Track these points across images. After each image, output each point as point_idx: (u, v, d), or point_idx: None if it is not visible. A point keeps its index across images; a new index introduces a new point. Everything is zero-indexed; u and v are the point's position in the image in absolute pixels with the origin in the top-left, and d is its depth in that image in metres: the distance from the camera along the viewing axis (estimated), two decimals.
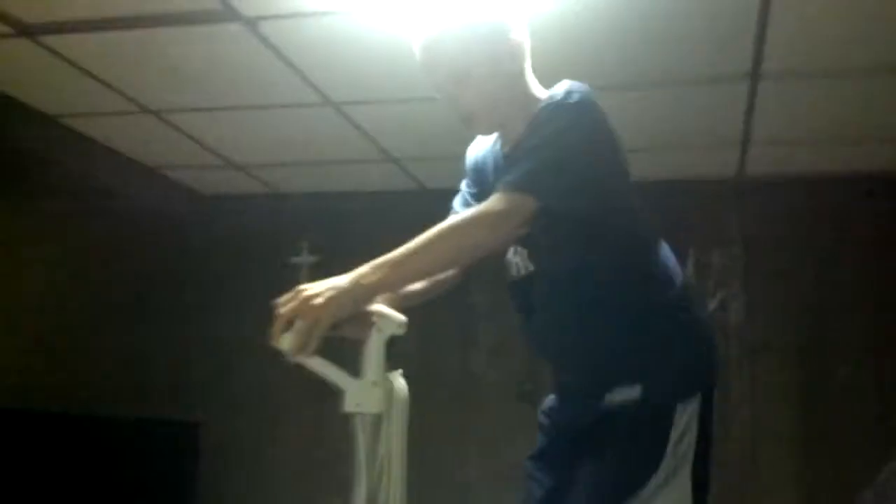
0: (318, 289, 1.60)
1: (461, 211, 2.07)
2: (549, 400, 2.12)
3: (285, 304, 1.61)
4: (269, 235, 5.02)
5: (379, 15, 2.95)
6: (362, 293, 1.63)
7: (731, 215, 4.64)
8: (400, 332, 1.71)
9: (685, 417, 1.88)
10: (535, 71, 1.97)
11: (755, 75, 3.36)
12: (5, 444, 3.83)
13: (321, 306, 1.58)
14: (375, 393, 1.66)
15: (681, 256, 4.53)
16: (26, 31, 3.12)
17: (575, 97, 1.83)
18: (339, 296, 1.59)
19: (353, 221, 4.89)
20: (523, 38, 1.91)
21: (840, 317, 4.43)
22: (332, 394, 1.71)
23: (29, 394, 4.61)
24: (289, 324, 1.60)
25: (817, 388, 4.43)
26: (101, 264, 4.94)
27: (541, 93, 1.94)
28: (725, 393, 4.50)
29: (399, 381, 1.72)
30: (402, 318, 1.73)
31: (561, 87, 1.87)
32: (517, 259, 1.98)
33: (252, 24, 3.03)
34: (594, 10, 2.86)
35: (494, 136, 2.06)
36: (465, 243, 1.73)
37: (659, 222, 2.06)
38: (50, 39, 3.19)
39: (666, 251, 2.03)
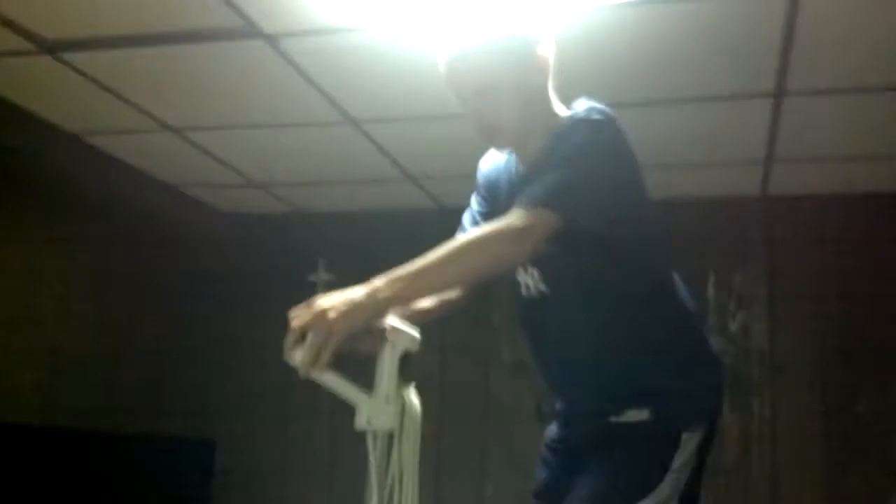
0: (331, 301, 1.57)
1: (470, 228, 2.04)
2: (552, 431, 2.08)
3: (298, 316, 1.58)
4: (288, 254, 5.02)
5: (400, 32, 2.94)
6: (376, 307, 1.59)
7: (754, 235, 4.59)
8: (413, 347, 1.67)
9: (690, 446, 1.85)
10: (560, 87, 1.95)
11: (779, 93, 3.33)
12: (21, 460, 3.82)
13: (334, 320, 1.54)
14: (388, 409, 1.62)
15: (702, 275, 4.57)
16: (48, 48, 3.13)
17: (596, 116, 1.81)
18: (353, 309, 1.56)
19: (371, 240, 4.87)
20: (549, 53, 1.89)
21: (866, 341, 4.36)
22: (346, 412, 1.68)
23: (45, 410, 4.60)
24: (301, 337, 1.57)
25: (840, 413, 4.36)
26: (121, 282, 4.94)
27: (561, 111, 1.92)
28: (747, 415, 4.44)
29: (412, 398, 1.68)
30: (415, 333, 1.69)
31: (582, 106, 1.85)
32: (528, 279, 1.95)
33: (274, 40, 3.03)
34: (620, 26, 2.85)
35: (507, 153, 2.03)
36: (484, 258, 1.69)
37: (677, 245, 2.02)
38: (71, 56, 3.20)
39: (678, 279, 2.00)
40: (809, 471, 4.34)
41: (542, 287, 1.91)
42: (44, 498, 3.84)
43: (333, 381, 1.62)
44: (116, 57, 3.18)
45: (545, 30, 1.89)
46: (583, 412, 1.96)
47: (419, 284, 1.65)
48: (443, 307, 1.97)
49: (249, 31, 2.95)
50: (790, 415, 4.42)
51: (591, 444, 1.90)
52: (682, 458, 1.83)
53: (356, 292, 1.59)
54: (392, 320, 1.67)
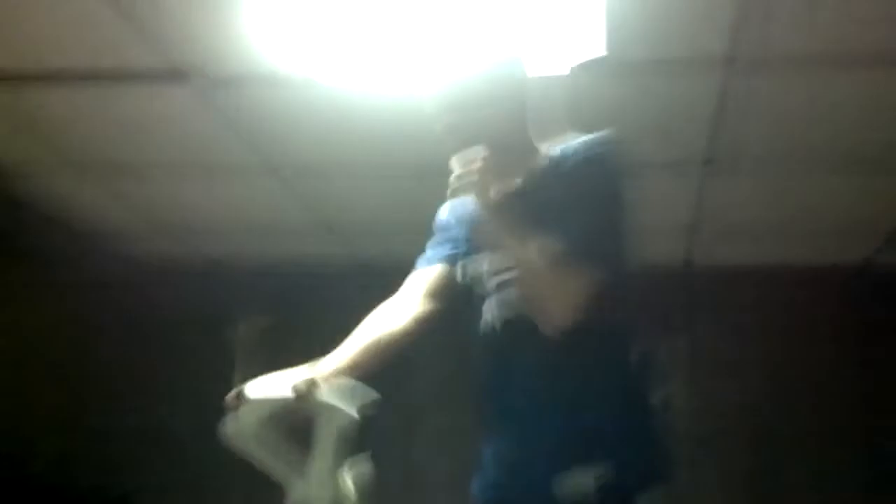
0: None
1: (431, 262, 1.99)
2: (482, 480, 1.94)
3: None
4: (210, 306, 4.87)
5: (332, 83, 2.90)
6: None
7: (676, 305, 4.60)
8: (352, 426, 1.59)
9: None
10: None
11: (708, 163, 3.36)
12: None
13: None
14: (324, 489, 1.55)
15: None
16: None
17: (616, 156, 1.82)
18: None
19: (294, 293, 4.76)
20: (528, 74, 1.93)
21: (790, 411, 4.39)
22: (266, 479, 1.58)
23: None
24: (237, 403, 1.50)
25: (769, 480, 4.36)
26: (33, 335, 4.80)
27: (543, 141, 1.91)
28: (669, 493, 4.40)
29: (351, 479, 1.59)
30: (353, 413, 1.60)
31: (596, 140, 1.83)
32: (494, 308, 1.87)
33: (201, 86, 2.95)
34: (569, 92, 2.84)
35: (464, 199, 1.97)
36: (550, 297, 1.70)
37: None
38: None
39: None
40: None
41: (505, 317, 1.84)
42: None
43: (266, 457, 1.55)
44: (38, 93, 3.06)
45: (524, 56, 1.95)
46: (527, 465, 1.83)
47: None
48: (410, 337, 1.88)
49: (176, 74, 2.87)
50: (720, 483, 4.39)
51: None
52: None
53: None
54: (330, 396, 1.59)
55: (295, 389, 1.59)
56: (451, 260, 1.97)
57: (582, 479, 1.73)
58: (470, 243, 1.92)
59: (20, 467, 4.42)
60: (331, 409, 1.58)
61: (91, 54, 2.80)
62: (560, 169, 1.82)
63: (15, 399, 4.63)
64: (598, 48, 2.65)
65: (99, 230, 4.48)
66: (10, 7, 2.59)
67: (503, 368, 1.87)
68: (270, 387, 1.61)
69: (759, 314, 4.49)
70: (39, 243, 4.41)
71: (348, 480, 1.58)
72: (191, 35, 2.68)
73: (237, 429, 1.52)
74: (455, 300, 1.97)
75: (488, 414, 1.94)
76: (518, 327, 1.82)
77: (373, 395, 1.64)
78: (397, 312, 1.89)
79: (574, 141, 1.85)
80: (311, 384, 1.61)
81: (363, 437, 1.59)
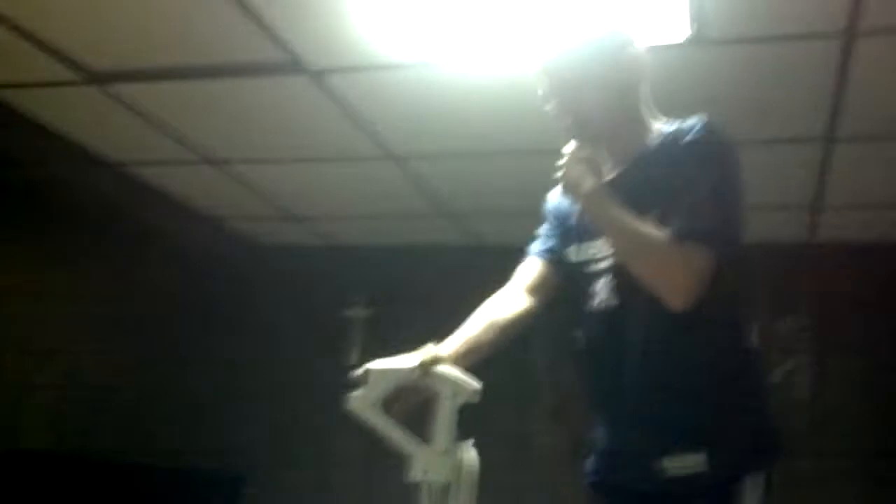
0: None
1: (535, 257, 2.04)
2: (593, 464, 1.98)
3: None
4: (325, 288, 4.99)
5: (443, 69, 2.93)
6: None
7: (801, 282, 4.49)
8: (474, 400, 1.66)
9: (754, 497, 1.76)
10: None
11: (830, 138, 3.26)
12: (49, 488, 3.80)
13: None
14: (444, 462, 1.61)
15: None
16: (95, 78, 3.15)
17: (723, 138, 1.82)
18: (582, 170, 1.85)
19: (409, 276, 4.84)
20: (640, 53, 1.91)
21: None
22: (384, 455, 1.64)
23: (72, 439, 4.60)
24: (364, 377, 1.57)
25: (887, 469, 4.22)
26: (157, 313, 4.95)
27: (657, 120, 1.91)
28: (788, 471, 4.31)
29: (469, 452, 1.65)
30: (476, 385, 1.68)
31: (696, 122, 1.83)
32: (603, 290, 1.88)
33: (318, 76, 3.02)
34: (670, 67, 2.80)
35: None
36: (659, 272, 1.72)
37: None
38: (117, 88, 3.21)
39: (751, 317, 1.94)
40: None
41: (614, 301, 1.86)
42: None
43: (390, 428, 1.62)
44: (161, 89, 3.20)
45: (636, 35, 1.92)
46: (633, 450, 1.85)
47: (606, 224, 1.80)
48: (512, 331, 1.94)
49: (293, 66, 2.95)
50: (834, 469, 4.28)
51: (645, 493, 1.81)
52: None
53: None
54: (450, 370, 1.66)
55: (421, 363, 1.69)
56: (554, 254, 2.01)
57: (690, 461, 1.75)
58: (578, 227, 1.94)
59: (137, 451, 4.58)
60: (454, 382, 1.64)
61: (209, 48, 2.90)
62: (670, 149, 1.82)
63: (131, 382, 4.79)
64: (708, 21, 2.61)
65: (220, 215, 4.65)
66: (128, 5, 2.70)
67: (612, 351, 1.87)
68: (395, 363, 1.71)
69: (886, 290, 4.33)
70: (166, 226, 4.60)
71: (467, 453, 1.63)
72: (305, 24, 2.74)
73: (363, 400, 1.58)
74: (553, 295, 2.03)
75: (597, 397, 1.96)
76: (627, 310, 1.83)
77: (478, 384, 1.71)
78: (506, 303, 1.97)
79: (683, 122, 1.84)
80: (436, 359, 1.72)
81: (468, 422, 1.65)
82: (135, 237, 4.63)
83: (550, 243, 2.04)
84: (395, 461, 1.68)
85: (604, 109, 1.86)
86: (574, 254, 1.95)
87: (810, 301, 4.47)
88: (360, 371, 1.70)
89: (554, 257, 2.01)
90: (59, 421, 4.80)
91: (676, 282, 1.70)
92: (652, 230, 1.72)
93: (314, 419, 4.65)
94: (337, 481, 4.76)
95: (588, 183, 1.81)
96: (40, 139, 3.63)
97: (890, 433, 4.24)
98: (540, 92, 1.90)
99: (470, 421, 1.69)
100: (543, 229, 2.08)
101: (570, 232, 1.97)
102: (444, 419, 1.63)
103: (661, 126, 1.90)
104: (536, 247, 2.07)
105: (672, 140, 1.83)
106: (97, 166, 3.93)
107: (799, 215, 4.10)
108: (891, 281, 4.34)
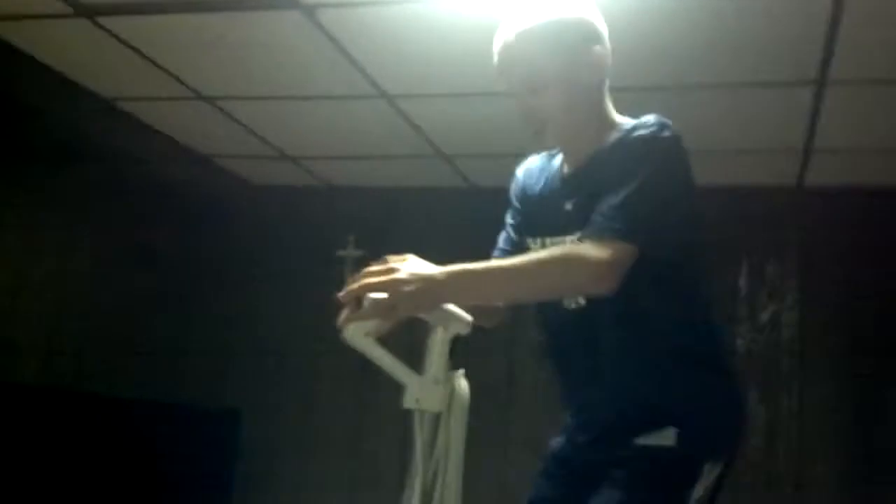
0: (408, 274, 1.54)
1: (504, 247, 2.01)
2: (557, 443, 2.00)
3: (371, 274, 1.56)
4: (317, 227, 5.01)
5: (438, 4, 2.91)
6: (446, 296, 1.59)
7: (789, 226, 4.53)
8: (466, 331, 1.68)
9: (710, 478, 1.78)
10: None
11: (821, 82, 3.27)
12: (42, 424, 3.84)
13: (409, 294, 1.53)
14: (437, 391, 1.63)
15: (734, 264, 4.52)
16: (84, 10, 3.12)
17: (668, 135, 1.76)
18: (428, 292, 1.54)
19: (401, 217, 4.86)
20: (606, 51, 1.85)
21: None
22: (374, 387, 1.67)
23: (65, 373, 4.63)
24: (357, 302, 1.57)
25: (871, 409, 4.30)
26: (148, 250, 4.96)
27: (617, 117, 1.88)
28: (774, 407, 4.40)
29: (461, 382, 1.67)
30: (468, 317, 1.69)
31: (650, 119, 1.79)
32: None
33: (310, 11, 3.00)
34: (668, 10, 2.80)
35: (545, 155, 1.99)
36: (563, 283, 1.70)
37: (710, 234, 1.98)
38: (108, 20, 3.19)
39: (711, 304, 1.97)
40: (836, 463, 4.30)
41: (581, 300, 1.85)
42: (62, 462, 3.86)
43: (382, 357, 1.63)
44: (153, 22, 3.17)
45: (602, 28, 1.85)
46: (605, 428, 1.87)
47: (485, 288, 1.67)
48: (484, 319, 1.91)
49: (286, 1, 2.93)
50: (818, 407, 4.37)
51: (609, 464, 1.82)
52: (700, 491, 1.76)
53: (435, 273, 1.57)
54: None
55: None
56: (521, 227, 1.98)
57: (660, 436, 1.77)
58: (544, 222, 1.90)
59: (132, 386, 4.63)
60: (449, 315, 1.66)
61: None
62: (621, 146, 1.79)
63: (126, 316, 4.82)
64: None
65: (212, 153, 4.65)
66: None
67: (581, 350, 1.89)
68: None
69: (872, 234, 4.38)
70: (157, 163, 4.59)
71: (460, 382, 1.66)
72: None
73: (358, 329, 1.60)
74: None
75: (565, 387, 1.98)
76: (595, 309, 1.82)
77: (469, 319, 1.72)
78: None
79: (639, 120, 1.81)
80: None
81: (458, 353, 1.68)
82: (125, 174, 4.61)
83: (515, 238, 2.01)
84: (387, 382, 1.70)
85: (564, 112, 1.82)
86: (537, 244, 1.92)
87: (798, 244, 4.51)
88: (353, 297, 1.63)
89: (519, 244, 1.98)
90: (52, 354, 4.83)
91: (580, 280, 1.68)
92: (522, 257, 1.72)
93: (305, 354, 4.74)
94: (329, 409, 4.85)
95: (433, 273, 1.58)
96: (30, 72, 3.61)
97: (871, 372, 4.33)
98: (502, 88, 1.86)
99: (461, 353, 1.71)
100: (509, 214, 2.05)
101: (532, 208, 1.94)
102: (436, 350, 1.65)
103: (622, 122, 1.86)
104: (502, 243, 2.04)
105: (626, 137, 1.80)
106: (87, 101, 3.91)
107: (788, 159, 4.12)
108: (876, 224, 4.38)
